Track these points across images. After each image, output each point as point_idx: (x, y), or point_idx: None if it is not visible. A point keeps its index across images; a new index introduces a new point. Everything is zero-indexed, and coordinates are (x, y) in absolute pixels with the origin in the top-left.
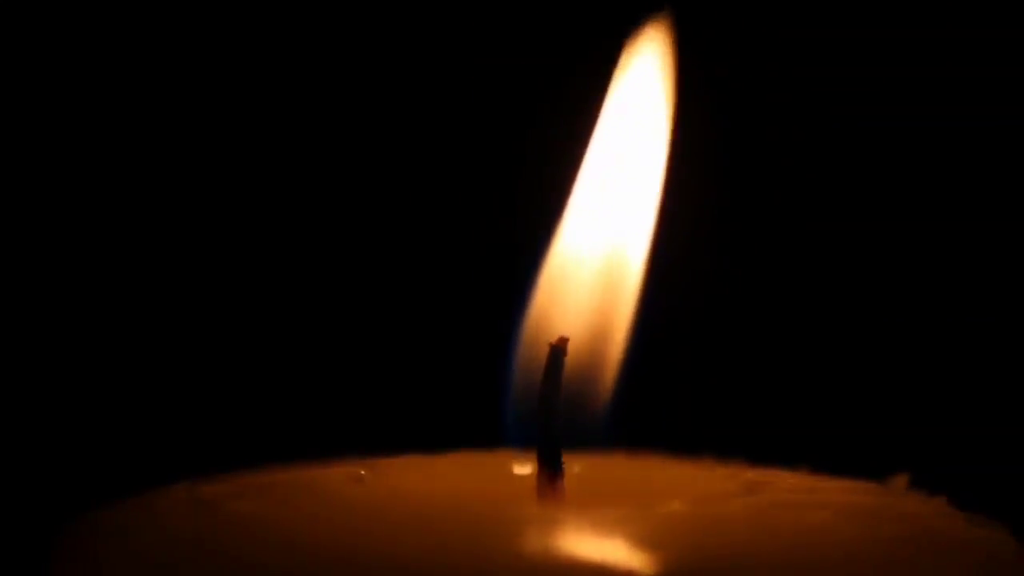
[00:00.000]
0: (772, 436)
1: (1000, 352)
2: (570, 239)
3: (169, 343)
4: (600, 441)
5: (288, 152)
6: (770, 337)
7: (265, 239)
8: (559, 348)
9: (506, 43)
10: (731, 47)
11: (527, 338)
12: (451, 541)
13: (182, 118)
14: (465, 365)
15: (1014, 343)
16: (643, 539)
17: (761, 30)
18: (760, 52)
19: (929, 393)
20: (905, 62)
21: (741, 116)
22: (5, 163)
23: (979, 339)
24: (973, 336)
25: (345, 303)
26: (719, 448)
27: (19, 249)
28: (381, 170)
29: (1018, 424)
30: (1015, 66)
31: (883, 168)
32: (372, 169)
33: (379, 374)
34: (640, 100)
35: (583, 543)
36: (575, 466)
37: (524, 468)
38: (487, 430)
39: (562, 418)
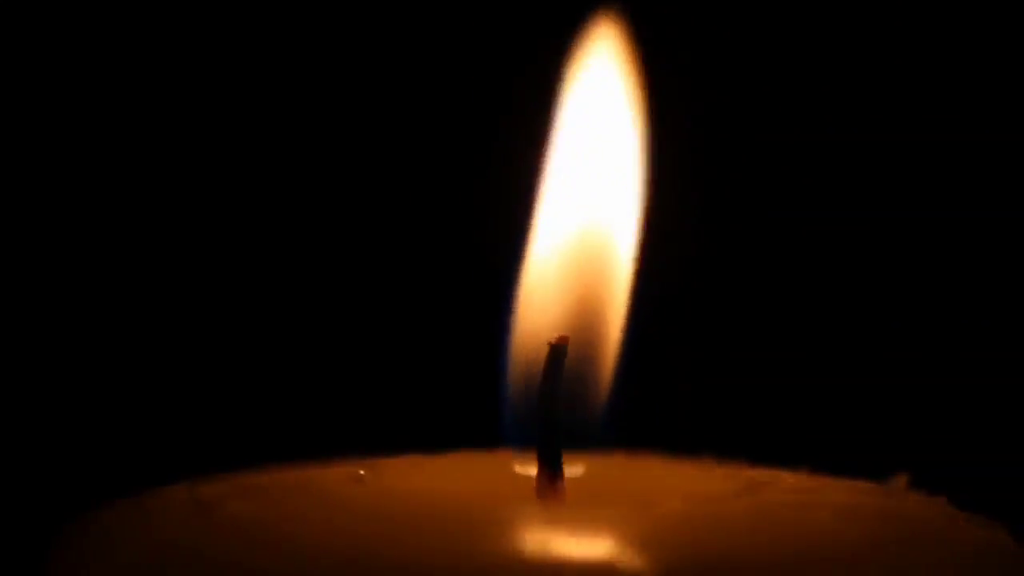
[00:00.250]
0: (772, 436)
1: (1000, 352)
2: (548, 232)
3: (169, 343)
4: (596, 440)
5: (288, 152)
6: (770, 337)
7: (265, 241)
8: (559, 347)
9: (467, 39)
10: (697, 29)
11: (518, 336)
12: (451, 541)
13: (176, 120)
14: (465, 365)
15: (1014, 343)
16: (643, 539)
17: (727, 12)
18: (729, 36)
19: (929, 393)
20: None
21: (715, 98)
22: (5, 163)
23: (979, 339)
24: (973, 336)
25: (344, 303)
26: (719, 448)
27: (19, 249)
28: (377, 172)
29: (1018, 424)
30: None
31: (882, 165)
32: (368, 171)
33: (378, 374)
34: (605, 87)
35: (583, 543)
36: (575, 466)
37: (524, 468)
38: (487, 430)
39: (562, 418)
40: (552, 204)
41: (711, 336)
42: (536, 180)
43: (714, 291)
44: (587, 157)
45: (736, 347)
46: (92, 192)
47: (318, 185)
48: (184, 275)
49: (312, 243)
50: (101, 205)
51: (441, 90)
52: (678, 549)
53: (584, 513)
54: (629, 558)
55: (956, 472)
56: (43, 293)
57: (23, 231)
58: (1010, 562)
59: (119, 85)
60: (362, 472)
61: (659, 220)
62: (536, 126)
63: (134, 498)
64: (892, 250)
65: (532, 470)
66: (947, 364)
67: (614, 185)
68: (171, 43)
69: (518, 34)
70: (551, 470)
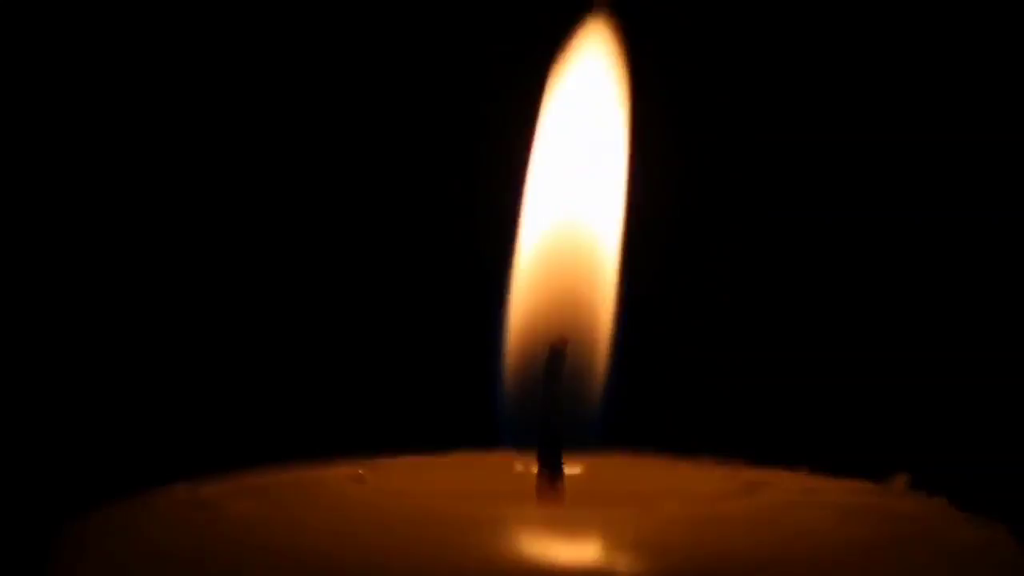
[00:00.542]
0: (771, 436)
1: (1000, 352)
2: (538, 229)
3: (168, 343)
4: (593, 440)
5: (288, 153)
6: (770, 337)
7: (265, 241)
8: (560, 349)
9: (454, 37)
10: (683, 26)
11: (512, 336)
12: (451, 541)
13: (172, 122)
14: (465, 365)
15: (1014, 343)
16: (642, 539)
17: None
18: (715, 34)
19: (929, 393)
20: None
21: (702, 89)
22: (5, 163)
23: (979, 339)
24: (973, 336)
25: (344, 303)
26: (719, 448)
27: (19, 249)
28: (377, 171)
29: (1018, 424)
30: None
31: (882, 165)
32: (368, 171)
33: (378, 374)
34: (593, 84)
35: (583, 543)
36: (575, 466)
37: (524, 468)
38: (487, 430)
39: (563, 418)
40: (543, 201)
41: (710, 336)
42: (528, 178)
43: (714, 291)
44: (575, 154)
45: (736, 347)
46: (92, 192)
47: (318, 185)
48: (184, 275)
49: (312, 243)
50: (101, 205)
51: (430, 89)
52: (677, 549)
53: (584, 513)
54: (628, 559)
55: (956, 472)
56: (43, 293)
57: (23, 231)
58: (1010, 562)
59: (119, 85)
60: (362, 472)
61: (654, 218)
62: (524, 124)
63: (134, 498)
64: (892, 250)
65: (532, 470)
66: (947, 364)
67: (604, 182)
68: (168, 43)
69: (505, 31)
70: (551, 470)
